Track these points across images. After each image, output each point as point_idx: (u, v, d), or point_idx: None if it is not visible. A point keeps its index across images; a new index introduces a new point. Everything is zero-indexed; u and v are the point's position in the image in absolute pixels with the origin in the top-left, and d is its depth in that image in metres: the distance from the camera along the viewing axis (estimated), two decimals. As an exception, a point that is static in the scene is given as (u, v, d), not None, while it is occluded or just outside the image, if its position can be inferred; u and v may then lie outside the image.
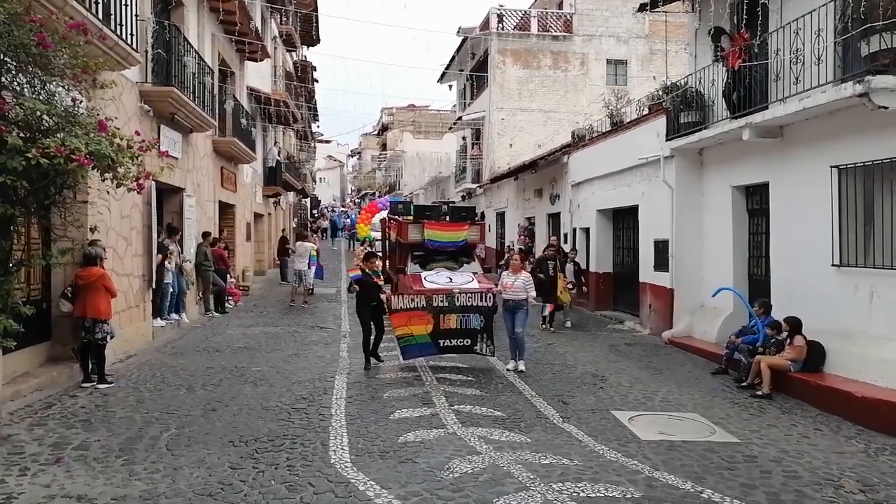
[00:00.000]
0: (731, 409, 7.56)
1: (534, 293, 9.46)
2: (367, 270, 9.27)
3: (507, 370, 9.05)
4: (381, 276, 9.23)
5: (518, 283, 9.17)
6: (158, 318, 11.45)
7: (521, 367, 9.05)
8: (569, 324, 13.38)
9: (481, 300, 8.78)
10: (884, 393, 7.11)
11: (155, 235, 10.85)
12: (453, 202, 24.36)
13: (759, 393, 8.11)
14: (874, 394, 7.12)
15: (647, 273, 13.28)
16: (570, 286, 13.32)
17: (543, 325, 12.80)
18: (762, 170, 10.05)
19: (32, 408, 6.79)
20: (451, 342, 8.76)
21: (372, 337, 9.29)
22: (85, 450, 5.62)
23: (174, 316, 12.10)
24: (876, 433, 6.68)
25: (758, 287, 10.48)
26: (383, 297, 9.33)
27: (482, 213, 21.99)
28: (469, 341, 8.83)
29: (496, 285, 13.40)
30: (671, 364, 10.10)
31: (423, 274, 12.41)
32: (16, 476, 4.99)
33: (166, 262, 11.52)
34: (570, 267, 13.83)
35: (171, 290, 11.79)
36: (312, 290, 16.71)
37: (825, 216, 8.51)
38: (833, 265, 8.39)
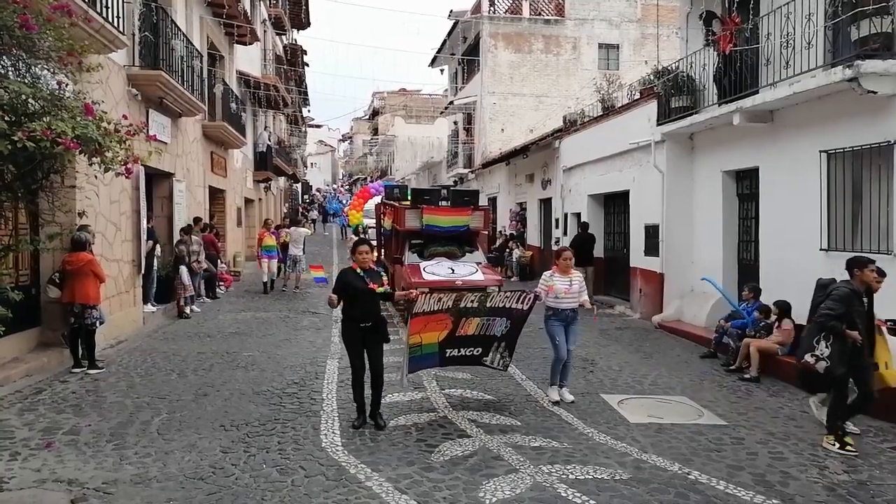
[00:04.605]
0: (719, 393, 7.64)
1: (585, 297, 7.22)
2: (356, 270, 6.09)
3: (553, 402, 6.96)
4: (385, 278, 6.36)
5: (575, 287, 7.03)
6: (148, 305, 11.42)
7: (570, 395, 7.09)
8: (852, 426, 6.22)
9: (517, 301, 6.77)
10: (869, 375, 7.17)
11: (144, 221, 10.79)
12: (454, 186, 23.93)
13: (747, 376, 8.19)
14: (860, 376, 7.19)
15: (637, 258, 13.33)
16: None
17: (847, 448, 5.73)
18: (752, 154, 10.08)
19: (22, 393, 6.78)
20: (458, 352, 6.80)
21: (367, 380, 6.10)
22: (75, 434, 5.62)
23: (195, 308, 12.46)
24: (860, 416, 6.75)
25: (747, 271, 10.55)
26: (400, 294, 6.93)
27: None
28: (479, 350, 6.88)
29: (500, 276, 12.66)
30: (661, 348, 10.18)
31: (423, 264, 11.95)
32: (6, 461, 5.00)
33: (156, 250, 11.52)
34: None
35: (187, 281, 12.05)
36: (287, 279, 16.12)
37: (814, 201, 8.56)
38: (821, 249, 8.45)
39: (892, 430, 6.34)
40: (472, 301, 6.63)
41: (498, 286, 11.40)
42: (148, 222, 11.11)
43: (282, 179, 34.88)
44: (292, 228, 16.97)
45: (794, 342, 8.33)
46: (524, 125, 24.78)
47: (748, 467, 5.30)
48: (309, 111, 46.84)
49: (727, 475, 5.11)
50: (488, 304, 6.70)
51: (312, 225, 37.08)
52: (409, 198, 13.62)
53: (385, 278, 6.27)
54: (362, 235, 18.19)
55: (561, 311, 7.01)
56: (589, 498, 4.59)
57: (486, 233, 16.80)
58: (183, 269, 11.96)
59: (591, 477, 4.97)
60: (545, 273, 7.30)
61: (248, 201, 22.68)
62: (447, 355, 6.77)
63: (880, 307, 6.02)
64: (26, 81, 5.18)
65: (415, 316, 6.32)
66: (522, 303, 6.80)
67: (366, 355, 6.07)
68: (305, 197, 54.64)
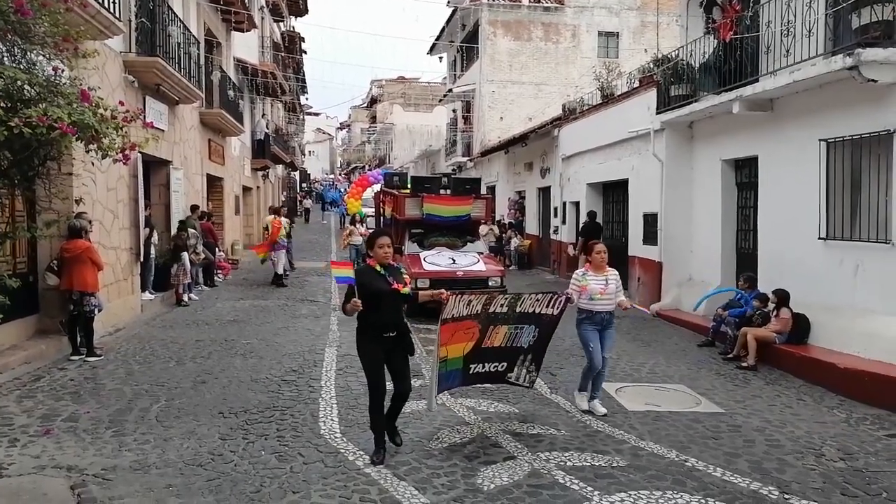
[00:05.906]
0: (716, 381, 7.66)
1: (623, 297, 6.40)
2: (375, 267, 5.07)
3: (592, 411, 6.29)
4: (406, 276, 5.28)
5: (611, 287, 6.23)
6: (146, 292, 11.41)
7: (603, 408, 6.33)
8: None
9: (549, 305, 6.01)
10: (866, 364, 7.22)
11: (142, 208, 10.76)
12: (454, 173, 23.78)
13: (745, 364, 8.21)
14: (857, 365, 7.23)
15: (636, 246, 13.32)
16: None
17: None
18: (752, 143, 10.05)
19: (21, 380, 6.79)
20: (483, 367, 5.93)
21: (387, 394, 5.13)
22: (74, 421, 5.63)
23: (193, 296, 12.57)
24: (858, 403, 6.79)
25: (745, 260, 10.56)
26: (426, 294, 5.66)
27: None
28: (504, 365, 6.06)
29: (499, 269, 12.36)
30: (659, 336, 10.20)
31: (423, 254, 11.83)
32: (5, 447, 5.01)
33: (153, 238, 11.50)
34: None
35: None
36: (287, 274, 15.47)
37: (813, 190, 8.55)
38: (820, 238, 8.45)
39: (889, 417, 6.36)
40: (502, 305, 5.82)
41: (500, 277, 11.37)
42: (145, 210, 11.09)
43: (280, 168, 34.78)
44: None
45: (791, 331, 8.36)
46: (523, 113, 24.70)
47: (745, 454, 5.32)
48: (307, 99, 46.79)
49: (724, 462, 5.14)
50: (518, 309, 5.90)
51: (305, 214, 37.03)
52: (409, 186, 13.40)
53: (407, 276, 5.30)
54: (359, 224, 18.12)
55: (595, 314, 6.20)
56: (586, 485, 4.61)
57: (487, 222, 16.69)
58: (185, 256, 11.95)
59: (588, 464, 4.99)
60: (576, 272, 6.44)
61: (245, 189, 22.63)
62: (471, 370, 5.89)
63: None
64: (21, 67, 5.15)
65: (444, 323, 5.39)
66: (553, 306, 6.04)
67: (392, 377, 5.11)
68: (303, 185, 54.52)
